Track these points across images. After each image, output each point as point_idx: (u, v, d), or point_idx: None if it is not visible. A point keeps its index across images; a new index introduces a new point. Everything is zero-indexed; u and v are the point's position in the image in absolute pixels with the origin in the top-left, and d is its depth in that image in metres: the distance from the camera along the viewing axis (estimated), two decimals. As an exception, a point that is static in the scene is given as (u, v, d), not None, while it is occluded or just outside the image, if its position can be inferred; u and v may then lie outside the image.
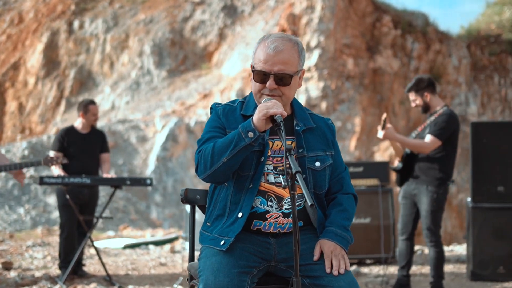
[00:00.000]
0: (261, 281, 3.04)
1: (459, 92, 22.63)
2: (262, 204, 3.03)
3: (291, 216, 2.99)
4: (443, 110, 6.19)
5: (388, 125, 6.16)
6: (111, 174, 7.70)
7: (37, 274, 7.75)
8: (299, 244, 2.73)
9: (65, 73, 26.77)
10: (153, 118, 21.68)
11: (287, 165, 2.72)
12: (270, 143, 3.09)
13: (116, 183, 7.25)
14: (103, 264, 7.41)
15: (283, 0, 24.82)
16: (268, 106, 2.87)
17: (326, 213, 3.17)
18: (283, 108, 2.94)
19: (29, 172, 17.32)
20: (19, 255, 9.42)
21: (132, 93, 25.23)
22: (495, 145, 7.18)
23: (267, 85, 3.03)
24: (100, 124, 20.23)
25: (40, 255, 9.35)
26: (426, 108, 6.32)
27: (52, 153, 7.56)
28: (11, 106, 27.12)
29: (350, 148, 20.90)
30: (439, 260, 6.15)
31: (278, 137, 3.07)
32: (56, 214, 16.32)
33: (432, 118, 6.21)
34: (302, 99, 20.71)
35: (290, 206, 3.03)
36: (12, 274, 7.68)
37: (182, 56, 26.07)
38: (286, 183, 2.77)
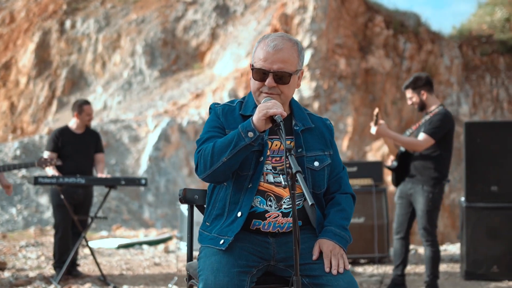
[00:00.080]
0: (260, 280, 3.05)
1: (451, 92, 22.70)
2: (261, 204, 3.04)
3: (290, 215, 3.03)
4: (439, 110, 6.21)
5: (381, 121, 6.15)
6: (106, 174, 7.70)
7: (31, 274, 7.73)
8: (299, 243, 2.74)
9: (56, 72, 26.71)
10: (145, 118, 21.66)
11: (287, 165, 2.73)
12: (269, 143, 3.10)
13: (111, 183, 7.25)
14: (97, 264, 7.39)
15: (275, 0, 24.83)
16: (268, 106, 2.88)
17: (324, 213, 3.18)
18: (282, 107, 2.95)
19: (22, 172, 17.27)
20: (13, 255, 9.40)
21: (124, 93, 25.19)
22: (489, 145, 7.21)
23: (266, 83, 3.05)
24: (92, 124, 20.18)
25: (34, 255, 9.33)
26: (422, 107, 6.33)
27: (46, 154, 7.54)
28: (3, 106, 27.04)
29: (342, 148, 20.94)
30: (435, 259, 6.16)
31: (276, 137, 3.10)
32: (48, 214, 16.29)
33: (427, 117, 6.22)
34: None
35: (289, 206, 3.04)
36: (6, 274, 7.66)
37: (174, 56, 26.05)
38: (286, 183, 2.77)
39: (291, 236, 2.93)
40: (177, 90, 23.99)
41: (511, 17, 25.34)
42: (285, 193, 3.05)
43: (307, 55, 21.67)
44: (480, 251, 7.15)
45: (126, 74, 25.73)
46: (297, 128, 3.15)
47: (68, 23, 27.83)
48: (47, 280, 7.34)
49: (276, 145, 3.11)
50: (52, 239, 10.52)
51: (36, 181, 6.88)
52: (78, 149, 7.63)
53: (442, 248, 10.00)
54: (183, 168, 20.31)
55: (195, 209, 3.48)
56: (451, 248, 9.98)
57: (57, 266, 7.44)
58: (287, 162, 2.74)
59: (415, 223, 6.49)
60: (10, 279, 7.34)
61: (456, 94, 22.73)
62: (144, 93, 24.84)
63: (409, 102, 6.40)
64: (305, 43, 21.97)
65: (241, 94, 21.62)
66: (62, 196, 7.13)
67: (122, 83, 25.53)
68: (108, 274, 7.90)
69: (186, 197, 3.39)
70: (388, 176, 15.32)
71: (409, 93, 6.35)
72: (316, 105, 21.36)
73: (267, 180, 3.06)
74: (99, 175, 7.71)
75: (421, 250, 9.62)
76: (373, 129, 6.15)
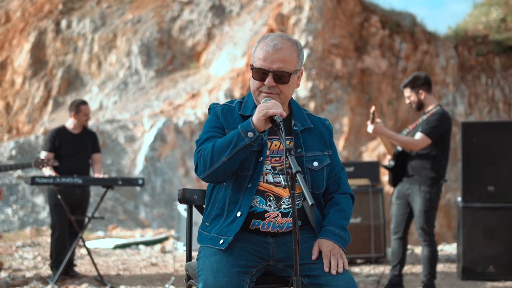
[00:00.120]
0: (259, 280, 3.05)
1: (446, 92, 22.73)
2: (261, 204, 3.04)
3: (290, 215, 3.03)
4: (436, 110, 6.22)
5: (378, 120, 6.16)
6: (103, 174, 7.70)
7: (28, 274, 7.73)
8: (299, 243, 2.74)
9: (52, 72, 26.66)
10: (141, 118, 21.64)
11: (287, 165, 2.73)
12: (269, 143, 3.11)
13: (108, 183, 7.24)
14: (94, 265, 7.38)
15: (271, 0, 24.84)
16: (268, 107, 2.88)
17: (323, 213, 3.19)
18: (282, 107, 2.96)
19: (18, 172, 17.24)
20: (9, 255, 9.39)
21: (120, 93, 25.16)
22: (485, 145, 7.23)
23: (265, 82, 3.05)
24: (88, 124, 20.12)
25: (30, 255, 9.32)
26: (420, 106, 6.33)
27: (43, 154, 7.54)
28: (-2, 106, 26.99)
29: (338, 148, 20.95)
30: (432, 259, 6.17)
31: (276, 137, 3.10)
32: (44, 215, 16.27)
33: (425, 117, 6.23)
34: (290, 99, 20.68)
35: (289, 206, 3.05)
36: (3, 274, 7.66)
37: (170, 56, 26.03)
38: (286, 183, 2.78)
39: (290, 236, 2.94)
40: (173, 90, 23.98)
41: (506, 17, 25.39)
42: (285, 193, 3.06)
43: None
44: (476, 251, 7.17)
45: (122, 74, 25.70)
46: (297, 128, 3.16)
47: (63, 23, 27.78)
48: (44, 280, 7.34)
49: (276, 145, 3.12)
50: (48, 239, 10.50)
51: (33, 181, 6.87)
52: (75, 149, 7.63)
53: (438, 248, 10.01)
54: (179, 168, 20.30)
55: (193, 209, 3.48)
56: (447, 248, 9.99)
57: (54, 266, 7.44)
58: (287, 162, 2.74)
59: (413, 223, 6.50)
60: (7, 279, 7.33)
61: (451, 94, 22.76)
62: (140, 93, 24.82)
63: (407, 101, 6.41)
64: (301, 43, 21.93)
65: (237, 94, 21.62)
66: (59, 196, 7.12)
67: (118, 83, 25.50)
68: (105, 274, 7.90)
69: (185, 197, 3.40)
70: (385, 176, 15.36)
71: (407, 92, 6.36)
72: (312, 105, 21.38)
73: (266, 180, 3.06)
74: (96, 175, 7.71)
75: (418, 250, 9.63)
76: (370, 128, 6.15)
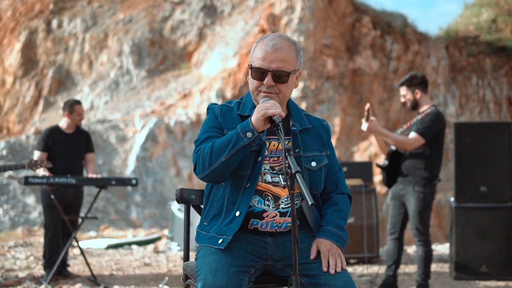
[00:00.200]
0: (258, 280, 3.06)
1: (437, 93, 22.79)
2: (259, 203, 3.06)
3: (288, 215, 3.05)
4: (431, 110, 6.25)
5: (372, 118, 6.17)
6: (96, 174, 7.69)
7: (21, 274, 7.71)
8: (298, 243, 2.75)
9: (43, 72, 26.56)
10: (132, 118, 21.60)
11: (287, 165, 2.75)
12: (267, 143, 3.12)
13: (101, 184, 7.24)
14: (88, 265, 7.37)
15: (262, 0, 24.85)
16: (267, 107, 2.90)
17: (321, 213, 3.20)
18: (281, 108, 2.97)
19: (9, 172, 17.18)
20: (1, 255, 9.36)
21: (111, 93, 25.10)
22: (478, 146, 7.28)
23: (264, 82, 3.06)
24: (79, 124, 20.06)
25: (23, 255, 9.30)
26: (415, 105, 6.35)
27: (36, 154, 7.52)
28: (-12, 105, 26.88)
29: (330, 148, 20.94)
30: (427, 259, 6.19)
31: (274, 137, 3.12)
32: (35, 215, 16.22)
33: (419, 117, 6.25)
34: (282, 99, 20.69)
35: (287, 206, 3.07)
36: (-4, 274, 7.64)
37: (162, 56, 25.99)
38: (286, 183, 2.79)
39: (289, 236, 2.95)
40: (165, 90, 23.94)
41: (497, 18, 25.48)
42: (283, 193, 3.07)
43: (295, 55, 21.67)
44: (469, 251, 7.21)
45: (113, 74, 25.64)
46: (295, 128, 3.17)
47: (54, 23, 27.69)
48: (37, 280, 7.33)
49: (274, 145, 3.13)
50: (40, 239, 10.49)
51: (26, 181, 6.85)
52: (68, 149, 7.61)
53: (431, 248, 10.04)
54: (170, 168, 20.28)
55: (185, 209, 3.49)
56: (440, 248, 10.03)
57: (47, 266, 7.42)
58: (286, 162, 2.75)
59: (408, 223, 6.52)
60: (0, 279, 7.31)
61: (442, 95, 22.83)
62: (131, 93, 24.77)
63: (402, 100, 6.42)
64: (295, 44, 21.98)
65: (228, 94, 21.61)
66: (52, 196, 7.10)
67: (109, 83, 25.43)
68: (98, 275, 7.89)
69: (183, 197, 3.40)
70: (378, 176, 15.39)
71: (403, 90, 6.37)
72: (303, 105, 21.40)
73: (265, 180, 3.07)
74: (90, 175, 7.70)
75: (411, 250, 9.67)
76: (364, 125, 6.15)
